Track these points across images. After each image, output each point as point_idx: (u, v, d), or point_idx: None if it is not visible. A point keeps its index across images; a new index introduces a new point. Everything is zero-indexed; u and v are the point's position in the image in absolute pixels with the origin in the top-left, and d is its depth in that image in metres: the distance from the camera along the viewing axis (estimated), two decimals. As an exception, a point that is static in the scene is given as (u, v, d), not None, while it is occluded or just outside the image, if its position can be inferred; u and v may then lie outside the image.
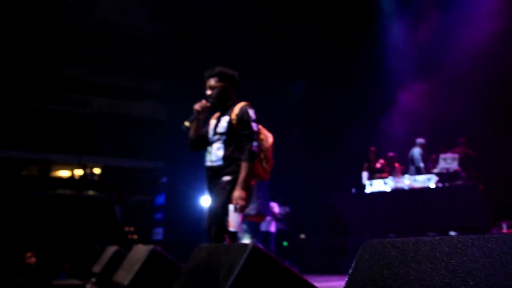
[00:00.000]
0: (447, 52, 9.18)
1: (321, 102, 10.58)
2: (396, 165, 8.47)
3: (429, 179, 7.03)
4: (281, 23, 10.99)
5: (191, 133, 3.21)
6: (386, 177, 7.91)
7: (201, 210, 9.29)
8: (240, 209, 2.84)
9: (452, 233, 6.37)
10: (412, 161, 8.20)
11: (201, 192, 9.40)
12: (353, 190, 8.08)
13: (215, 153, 3.05)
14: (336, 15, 10.74)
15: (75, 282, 5.80)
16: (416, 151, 8.18)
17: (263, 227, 9.00)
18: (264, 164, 3.17)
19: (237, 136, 3.03)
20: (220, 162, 3.03)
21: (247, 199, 3.01)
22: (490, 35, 8.36)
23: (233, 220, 2.83)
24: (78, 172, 17.02)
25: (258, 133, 3.05)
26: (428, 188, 7.04)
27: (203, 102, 3.11)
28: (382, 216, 7.31)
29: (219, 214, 2.94)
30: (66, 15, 20.27)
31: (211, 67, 3.23)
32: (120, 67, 21.39)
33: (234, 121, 3.03)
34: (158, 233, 11.70)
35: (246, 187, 2.91)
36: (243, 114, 3.03)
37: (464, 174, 7.27)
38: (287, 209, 9.71)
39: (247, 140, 2.97)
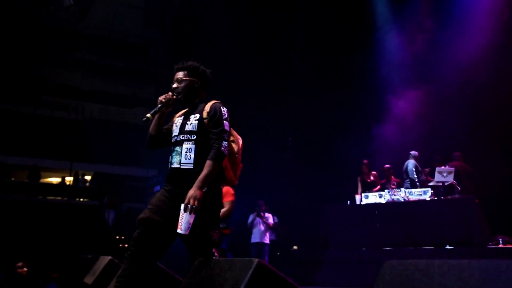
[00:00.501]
0: (441, 64, 9.25)
1: (315, 112, 10.59)
2: (392, 177, 8.46)
3: (424, 192, 7.02)
4: (275, 32, 11.02)
5: (152, 128, 2.96)
6: (377, 191, 7.89)
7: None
8: (192, 210, 2.55)
9: (448, 247, 6.35)
10: (406, 173, 8.20)
11: None
12: (348, 202, 8.05)
13: (185, 154, 2.79)
14: (331, 26, 10.80)
15: (66, 292, 5.65)
16: (410, 164, 8.19)
17: (256, 238, 8.92)
18: (235, 168, 3.02)
19: (208, 137, 2.79)
20: (191, 165, 2.76)
21: (219, 207, 2.83)
22: (484, 48, 8.44)
23: (183, 221, 2.53)
24: (69, 178, 16.81)
25: (229, 133, 2.82)
26: (423, 201, 7.03)
27: (169, 94, 2.88)
28: (377, 229, 7.28)
29: (201, 233, 2.69)
30: (60, 20, 20.16)
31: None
32: (113, 73, 21.29)
33: (205, 120, 2.79)
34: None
35: (203, 187, 2.64)
36: (215, 111, 2.78)
37: (459, 187, 7.28)
38: (276, 219, 9.64)
39: (217, 138, 2.72)
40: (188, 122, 2.83)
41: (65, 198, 15.82)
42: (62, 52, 21.09)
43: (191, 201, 2.56)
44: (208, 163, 2.66)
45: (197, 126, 2.79)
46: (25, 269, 5.50)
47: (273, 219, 9.24)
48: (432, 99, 9.40)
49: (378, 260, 6.86)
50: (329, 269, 7.45)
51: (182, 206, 2.56)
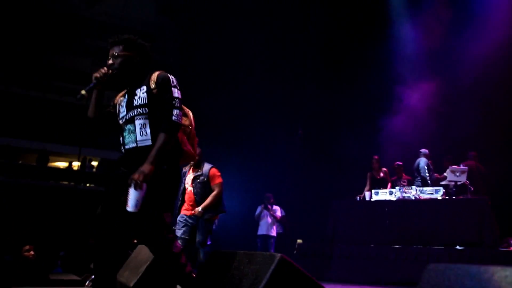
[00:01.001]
0: (456, 59, 9.09)
1: (326, 105, 10.48)
2: (403, 175, 8.38)
3: (436, 191, 6.94)
4: (287, 23, 10.86)
5: (90, 110, 2.68)
6: (387, 188, 7.81)
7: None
8: (137, 185, 2.30)
9: (459, 248, 6.28)
10: (418, 171, 8.12)
11: None
12: (358, 198, 7.98)
13: (140, 130, 2.53)
14: (344, 17, 10.64)
15: (74, 277, 5.66)
16: (422, 162, 8.10)
17: (263, 230, 8.89)
18: (192, 141, 2.81)
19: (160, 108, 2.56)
20: (149, 142, 2.51)
21: (175, 186, 2.63)
22: (501, 44, 8.29)
23: (130, 198, 2.31)
24: (76, 163, 16.84)
25: (180, 99, 2.56)
26: (435, 200, 6.95)
27: (104, 69, 2.61)
28: (386, 226, 7.21)
29: (152, 213, 2.47)
30: (70, 6, 20.09)
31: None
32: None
33: (154, 90, 2.56)
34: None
35: (154, 161, 2.38)
36: (162, 79, 2.57)
37: (472, 188, 7.19)
38: (283, 212, 9.61)
39: (168, 108, 2.48)
40: (135, 97, 2.60)
41: (72, 183, 15.86)
42: (72, 38, 21.04)
43: (137, 176, 2.32)
44: (160, 135, 2.44)
45: (147, 98, 2.56)
46: (32, 252, 5.49)
47: (281, 212, 9.20)
48: (446, 95, 9.27)
49: (386, 256, 6.81)
50: (336, 265, 7.40)
51: (129, 181, 2.35)
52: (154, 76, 2.61)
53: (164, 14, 16.10)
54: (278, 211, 9.06)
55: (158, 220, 2.47)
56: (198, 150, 4.66)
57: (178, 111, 2.49)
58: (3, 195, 12.75)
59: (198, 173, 5.29)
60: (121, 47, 2.67)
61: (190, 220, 5.17)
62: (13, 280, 5.04)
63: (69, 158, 17.58)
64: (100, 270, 2.49)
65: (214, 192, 5.18)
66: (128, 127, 2.59)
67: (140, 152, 2.50)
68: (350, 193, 8.50)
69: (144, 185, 2.32)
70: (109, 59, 2.67)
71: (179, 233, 5.13)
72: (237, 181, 9.33)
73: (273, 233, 8.92)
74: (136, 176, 2.32)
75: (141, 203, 2.32)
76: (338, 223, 7.74)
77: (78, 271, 6.25)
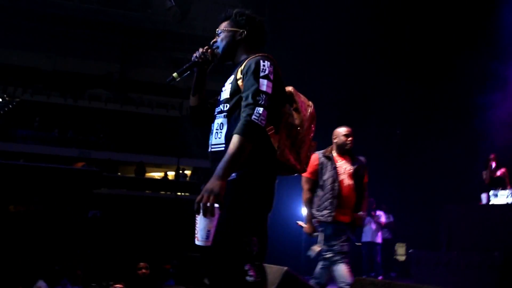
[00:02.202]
0: None
1: (426, 101, 9.81)
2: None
3: None
4: (382, 18, 10.32)
5: (191, 98, 2.21)
6: (507, 189, 7.09)
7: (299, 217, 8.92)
8: (207, 211, 1.72)
9: None
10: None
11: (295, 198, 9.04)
12: (473, 202, 7.33)
13: (216, 131, 2.03)
14: (443, 8, 9.91)
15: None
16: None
17: (367, 237, 8.52)
18: (297, 148, 2.09)
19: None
20: (221, 146, 1.98)
21: (261, 202, 1.93)
22: None
23: (199, 228, 1.76)
24: (171, 173, 17.57)
25: (268, 95, 1.89)
26: None
27: (205, 48, 2.13)
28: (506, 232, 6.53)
29: (228, 239, 1.86)
30: (157, 23, 21.09)
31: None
32: (210, 70, 21.81)
33: (239, 81, 2.00)
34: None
35: (226, 175, 1.78)
36: (249, 66, 1.96)
37: None
38: (391, 218, 9.14)
39: (247, 104, 1.87)
40: (223, 89, 2.08)
41: (168, 192, 16.54)
42: (160, 53, 22.10)
43: (205, 197, 1.72)
44: (233, 139, 1.82)
45: (231, 91, 2.01)
46: (147, 271, 5.60)
47: (386, 218, 8.76)
48: None
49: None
50: (453, 273, 6.84)
51: (195, 206, 1.77)
52: (246, 61, 2.02)
53: (250, 5, 16.20)
54: (382, 216, 8.63)
55: (236, 250, 1.85)
56: (315, 155, 3.89)
57: (262, 109, 1.84)
58: (107, 206, 13.60)
59: (356, 164, 3.95)
60: (226, 22, 2.17)
61: (350, 235, 3.82)
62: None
63: (164, 168, 18.38)
64: None
65: (366, 193, 3.99)
66: (212, 125, 2.10)
67: (213, 159, 2.01)
68: (460, 195, 7.86)
69: (217, 209, 1.74)
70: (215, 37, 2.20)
71: (327, 261, 3.78)
72: None
73: (379, 240, 8.52)
74: (203, 198, 1.73)
75: (214, 233, 1.76)
76: (453, 228, 7.16)
77: (191, 283, 6.33)
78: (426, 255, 7.55)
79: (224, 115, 2.02)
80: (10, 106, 20.80)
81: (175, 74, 2.07)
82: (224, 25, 2.17)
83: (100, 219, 12.04)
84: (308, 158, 2.17)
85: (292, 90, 2.15)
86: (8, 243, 9.83)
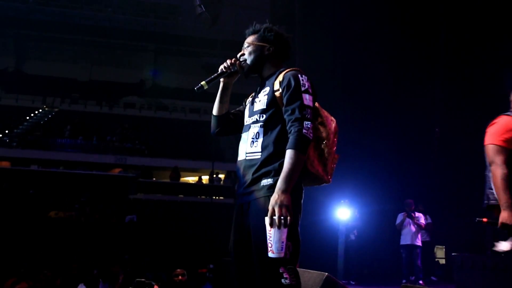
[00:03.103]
0: None
1: (465, 100, 9.46)
2: None
3: None
4: (415, 18, 10.06)
5: (215, 106, 2.30)
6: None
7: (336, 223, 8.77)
8: (281, 223, 1.84)
9: None
10: None
11: (335, 201, 8.90)
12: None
13: (252, 140, 2.09)
14: (479, 7, 9.53)
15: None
16: None
17: (407, 240, 8.27)
18: (324, 160, 2.16)
19: (282, 116, 2.07)
20: (258, 155, 2.05)
21: (298, 212, 2.02)
22: None
23: (274, 240, 1.85)
24: (205, 177, 17.70)
25: (314, 109, 2.06)
26: None
27: (232, 60, 2.24)
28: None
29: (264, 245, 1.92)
30: (187, 29, 21.37)
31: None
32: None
33: (277, 93, 2.08)
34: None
35: (289, 187, 1.90)
36: (289, 80, 2.06)
37: None
38: (429, 219, 8.85)
39: (296, 118, 1.98)
40: (257, 100, 2.17)
41: (203, 197, 16.66)
42: (191, 58, 22.37)
43: (277, 211, 1.85)
44: (288, 153, 1.93)
45: (267, 102, 2.10)
46: (184, 277, 5.60)
47: (425, 219, 8.49)
48: None
49: None
50: (501, 278, 6.53)
51: (267, 220, 1.86)
52: (281, 75, 2.11)
53: (278, 24, 16.13)
54: (421, 218, 8.35)
55: (277, 262, 1.90)
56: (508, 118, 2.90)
57: (309, 123, 1.98)
58: (144, 211, 13.81)
59: None
60: (254, 36, 2.25)
61: None
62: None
63: (199, 173, 18.55)
64: None
65: None
66: (243, 136, 2.19)
67: (247, 166, 2.08)
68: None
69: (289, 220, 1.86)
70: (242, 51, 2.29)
71: None
72: (372, 187, 8.83)
73: (418, 242, 8.23)
74: (277, 211, 1.85)
75: (286, 243, 1.86)
76: (498, 230, 6.84)
77: (228, 287, 6.31)
78: (470, 258, 7.25)
79: (260, 124, 2.11)
80: (50, 116, 21.57)
81: (203, 83, 2.17)
82: (252, 39, 2.26)
83: (136, 223, 12.24)
84: (332, 170, 2.24)
85: (317, 105, 2.21)
86: (49, 249, 10.14)
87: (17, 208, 12.00)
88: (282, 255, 1.85)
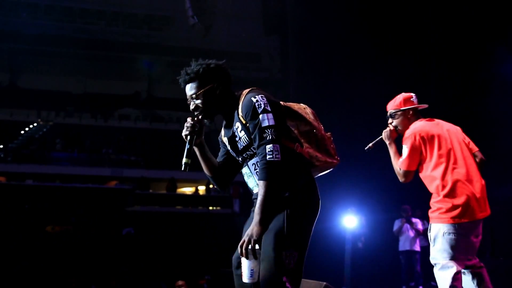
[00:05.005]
0: None
1: (461, 101, 9.47)
2: None
3: None
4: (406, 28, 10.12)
5: (205, 169, 2.31)
6: None
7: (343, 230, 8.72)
8: (248, 255, 1.95)
9: None
10: None
11: (342, 208, 8.84)
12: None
13: (256, 172, 2.14)
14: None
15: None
16: None
17: (406, 245, 8.28)
18: (323, 147, 2.21)
19: None
20: None
21: (303, 216, 2.05)
22: None
23: (244, 268, 2.00)
24: (201, 188, 17.66)
25: (273, 126, 2.00)
26: None
27: (189, 121, 2.17)
28: None
29: (271, 253, 1.98)
30: (181, 40, 21.43)
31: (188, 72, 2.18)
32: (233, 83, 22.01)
33: (246, 124, 2.09)
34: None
35: (262, 219, 1.95)
36: (246, 108, 2.06)
37: None
38: (426, 224, 8.85)
39: (258, 146, 2.01)
40: (237, 139, 2.16)
41: (200, 207, 16.59)
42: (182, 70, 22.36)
43: (246, 243, 1.93)
44: (260, 185, 1.97)
45: (246, 136, 2.11)
46: None
47: (422, 224, 8.49)
48: None
49: None
50: (500, 282, 6.52)
51: (239, 249, 1.98)
52: (240, 105, 2.12)
53: (271, 33, 16.28)
54: (419, 223, 8.37)
55: (274, 262, 1.96)
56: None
57: (271, 145, 1.96)
58: (141, 224, 13.73)
59: None
60: (195, 83, 2.17)
61: None
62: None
63: (195, 183, 18.49)
64: None
65: None
66: (244, 171, 2.24)
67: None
68: (502, 198, 7.49)
69: (258, 251, 1.95)
70: (189, 103, 2.21)
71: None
72: (379, 194, 8.82)
73: (417, 248, 8.24)
74: (245, 243, 1.93)
75: (257, 270, 1.97)
76: (497, 233, 6.87)
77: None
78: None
79: (255, 156, 2.12)
80: (45, 129, 21.49)
81: (185, 160, 2.15)
82: (194, 87, 2.17)
83: (134, 236, 12.17)
84: (335, 150, 2.29)
85: (283, 104, 2.22)
86: (46, 263, 10.04)
87: (13, 223, 11.90)
88: (254, 280, 1.97)
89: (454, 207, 2.94)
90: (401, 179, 3.23)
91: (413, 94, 3.31)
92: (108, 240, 12.15)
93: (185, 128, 2.17)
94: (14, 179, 16.54)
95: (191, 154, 2.16)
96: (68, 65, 23.32)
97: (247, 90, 2.14)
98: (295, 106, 2.27)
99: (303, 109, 2.25)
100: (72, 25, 22.81)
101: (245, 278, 1.98)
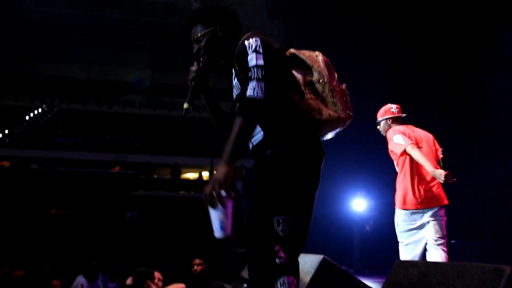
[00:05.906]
0: None
1: (467, 88, 9.41)
2: None
3: None
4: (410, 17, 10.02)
5: (212, 119, 2.12)
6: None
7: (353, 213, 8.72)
8: (213, 202, 1.64)
9: None
10: None
11: (351, 192, 8.83)
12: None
13: None
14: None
15: (226, 286, 5.73)
16: None
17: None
18: (331, 100, 1.97)
19: None
20: (260, 136, 1.90)
21: (294, 175, 1.79)
22: None
23: (213, 220, 1.68)
24: (205, 174, 17.74)
25: (261, 66, 1.78)
26: None
27: (194, 66, 2.03)
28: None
29: (259, 219, 1.75)
30: (183, 27, 21.33)
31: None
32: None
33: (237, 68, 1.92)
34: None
35: (230, 158, 1.69)
36: (238, 50, 1.88)
37: None
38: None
39: (243, 84, 1.81)
40: (233, 84, 1.98)
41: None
42: (189, 56, 22.32)
43: (209, 189, 1.64)
44: (235, 121, 1.74)
45: (239, 84, 1.92)
46: (202, 267, 5.59)
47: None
48: None
49: None
50: (501, 264, 6.54)
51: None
52: (236, 51, 1.93)
53: (276, 18, 16.16)
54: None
55: (263, 229, 1.71)
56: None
57: (255, 82, 1.74)
58: (144, 208, 13.83)
59: None
60: (198, 26, 2.03)
61: None
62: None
63: (199, 169, 18.57)
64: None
65: None
66: None
67: (257, 153, 1.92)
68: (502, 182, 7.49)
69: (227, 199, 1.65)
70: (193, 46, 2.06)
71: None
72: (387, 177, 8.83)
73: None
74: (207, 189, 1.64)
75: (231, 223, 1.66)
76: (497, 217, 6.87)
77: (226, 279, 6.33)
78: (470, 246, 7.27)
79: None
80: (49, 115, 21.59)
81: (185, 105, 2.00)
82: (198, 30, 2.03)
83: (137, 219, 12.26)
84: (348, 103, 2.05)
85: (293, 51, 2.07)
86: (49, 244, 10.18)
87: (18, 206, 12.04)
88: (224, 235, 1.66)
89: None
90: (416, 157, 3.82)
91: (393, 105, 4.18)
92: (111, 222, 12.27)
93: (189, 73, 2.03)
94: (19, 163, 16.68)
95: (192, 99, 2.01)
96: (73, 52, 23.35)
97: (246, 34, 1.94)
98: (305, 53, 2.08)
99: (315, 56, 2.06)
100: (76, 11, 22.78)
101: (216, 233, 1.68)
